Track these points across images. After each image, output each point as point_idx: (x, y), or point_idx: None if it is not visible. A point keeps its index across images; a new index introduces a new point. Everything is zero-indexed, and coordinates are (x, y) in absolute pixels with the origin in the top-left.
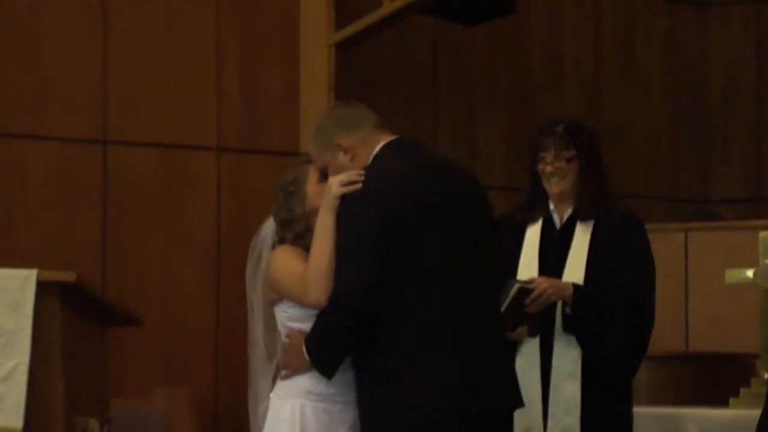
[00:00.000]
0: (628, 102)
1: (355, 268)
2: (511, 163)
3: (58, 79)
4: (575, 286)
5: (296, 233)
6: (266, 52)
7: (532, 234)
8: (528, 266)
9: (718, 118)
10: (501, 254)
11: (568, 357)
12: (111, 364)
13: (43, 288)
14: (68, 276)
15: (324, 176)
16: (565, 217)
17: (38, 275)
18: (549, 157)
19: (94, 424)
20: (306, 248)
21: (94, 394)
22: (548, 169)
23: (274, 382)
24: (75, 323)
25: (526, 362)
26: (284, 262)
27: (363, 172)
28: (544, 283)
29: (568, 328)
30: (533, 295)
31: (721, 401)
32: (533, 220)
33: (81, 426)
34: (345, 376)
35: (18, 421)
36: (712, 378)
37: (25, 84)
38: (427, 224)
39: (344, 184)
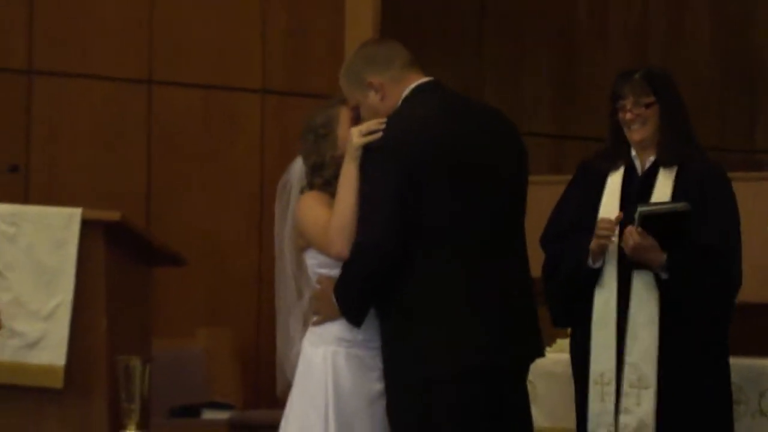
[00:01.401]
0: (674, 53)
1: (376, 221)
2: (556, 112)
3: (105, 19)
4: (669, 252)
5: (325, 179)
6: None
7: (614, 181)
8: (609, 213)
9: (765, 69)
10: (576, 201)
11: (646, 304)
12: (154, 304)
13: (87, 227)
14: (113, 215)
15: (357, 117)
16: (648, 164)
17: (83, 214)
18: (628, 104)
19: (136, 362)
20: (334, 195)
21: (137, 334)
22: (628, 116)
23: (304, 323)
24: (119, 263)
25: (602, 309)
26: (310, 210)
27: (384, 120)
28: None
29: (668, 299)
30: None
31: (764, 352)
32: (615, 168)
33: (123, 364)
34: (375, 321)
35: (61, 359)
36: (756, 328)
37: (73, 24)
38: (448, 174)
39: (365, 134)
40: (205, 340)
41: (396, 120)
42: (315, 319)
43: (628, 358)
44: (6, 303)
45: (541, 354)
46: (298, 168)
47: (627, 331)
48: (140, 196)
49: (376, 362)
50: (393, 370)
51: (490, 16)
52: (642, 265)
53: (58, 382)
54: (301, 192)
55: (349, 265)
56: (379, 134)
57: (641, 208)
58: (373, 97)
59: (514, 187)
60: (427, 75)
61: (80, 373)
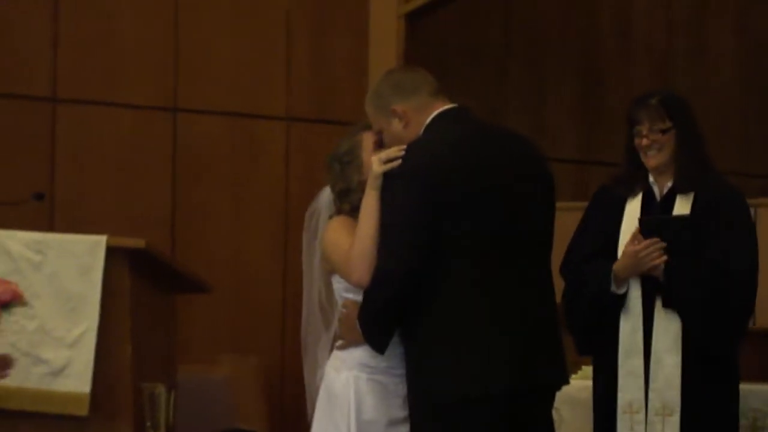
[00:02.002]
0: (698, 75)
1: (397, 246)
2: (580, 137)
3: (130, 46)
4: (670, 263)
5: (352, 205)
6: (336, 22)
7: (633, 207)
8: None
9: None
10: (595, 227)
11: (668, 331)
12: (178, 331)
13: (112, 254)
14: (137, 242)
15: (380, 143)
16: (665, 189)
17: (108, 241)
18: (644, 130)
19: (161, 389)
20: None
21: (162, 360)
22: (644, 142)
23: (331, 351)
24: (144, 289)
25: (629, 337)
26: (334, 235)
27: (404, 147)
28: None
29: (667, 303)
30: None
31: None
32: (633, 194)
33: (148, 391)
34: (398, 349)
35: (86, 387)
36: None
37: (98, 52)
38: (470, 198)
39: (385, 162)
40: (230, 366)
41: (416, 146)
42: (339, 343)
43: (653, 385)
44: (31, 331)
45: (566, 381)
46: (325, 197)
47: (651, 358)
48: (165, 223)
49: (398, 389)
50: (416, 393)
51: (513, 41)
52: (661, 288)
53: (83, 410)
54: (330, 219)
55: (370, 291)
56: (399, 161)
57: (642, 217)
58: (396, 125)
59: (539, 212)
60: (452, 102)
61: (105, 400)
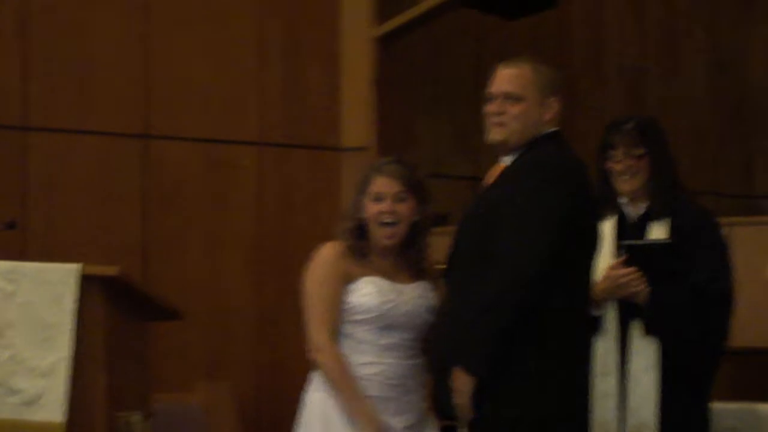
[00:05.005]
0: (670, 96)
1: (532, 245)
2: None
3: (100, 73)
4: (653, 289)
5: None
6: (307, 47)
7: (606, 230)
8: (605, 262)
9: (761, 112)
10: None
11: (645, 352)
12: (153, 359)
13: (85, 282)
14: (110, 270)
15: (378, 198)
16: (639, 213)
17: (80, 269)
18: (618, 155)
19: (136, 418)
20: (346, 246)
21: (137, 389)
22: (618, 167)
23: None
24: (117, 317)
25: (603, 358)
26: (316, 273)
27: None
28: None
29: (649, 329)
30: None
31: (765, 396)
32: (604, 217)
33: (123, 420)
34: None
35: (60, 416)
36: (754, 373)
37: (68, 79)
38: (590, 222)
39: None
40: (205, 394)
41: (556, 157)
42: None
43: (630, 404)
44: (4, 361)
45: None
46: None
47: (627, 377)
48: (137, 250)
49: None
50: (528, 406)
51: (486, 60)
52: (637, 310)
53: None
54: None
55: (494, 286)
56: None
57: (625, 242)
58: (538, 112)
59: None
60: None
61: (80, 429)
